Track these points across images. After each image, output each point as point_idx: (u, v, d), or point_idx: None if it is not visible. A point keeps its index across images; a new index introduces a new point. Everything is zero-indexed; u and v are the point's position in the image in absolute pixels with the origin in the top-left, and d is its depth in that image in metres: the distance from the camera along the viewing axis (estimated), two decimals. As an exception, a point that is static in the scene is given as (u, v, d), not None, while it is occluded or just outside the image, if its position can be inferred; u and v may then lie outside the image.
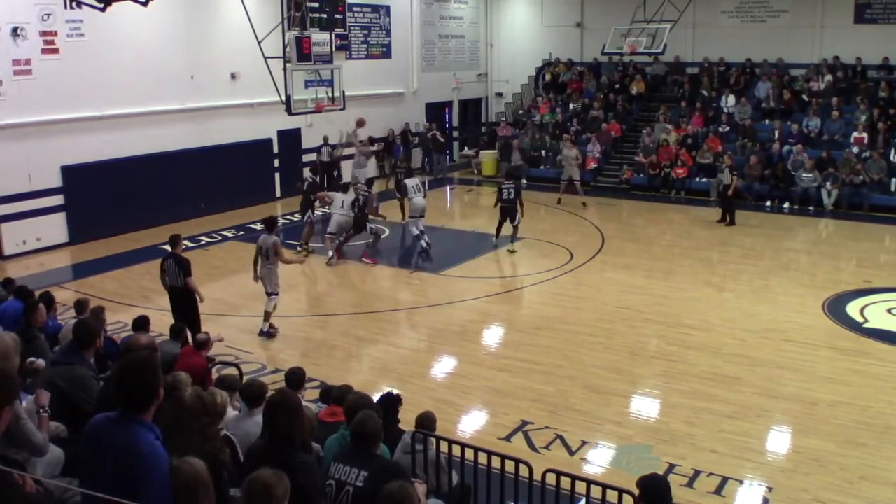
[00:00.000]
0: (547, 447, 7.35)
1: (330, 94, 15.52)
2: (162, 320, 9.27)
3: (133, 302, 11.41)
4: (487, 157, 23.02)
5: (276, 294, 10.40)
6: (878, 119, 18.77)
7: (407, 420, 5.96)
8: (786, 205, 18.01)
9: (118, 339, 7.68)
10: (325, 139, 19.35)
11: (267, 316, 10.39)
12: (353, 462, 4.16)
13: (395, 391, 6.31)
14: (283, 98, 14.22)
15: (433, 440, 5.44)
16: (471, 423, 8.00)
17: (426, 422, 5.68)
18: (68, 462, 4.41)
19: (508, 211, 14.20)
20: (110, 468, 3.12)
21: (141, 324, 7.59)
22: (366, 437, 4.24)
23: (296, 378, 6.21)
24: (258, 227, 15.32)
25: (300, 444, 3.93)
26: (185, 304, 9.43)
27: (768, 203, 18.21)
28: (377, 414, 4.54)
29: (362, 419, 4.32)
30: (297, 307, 11.93)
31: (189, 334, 8.22)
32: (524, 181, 21.26)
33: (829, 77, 20.17)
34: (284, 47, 14.03)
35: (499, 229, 14.54)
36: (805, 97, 20.20)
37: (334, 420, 5.46)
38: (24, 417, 4.15)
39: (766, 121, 20.19)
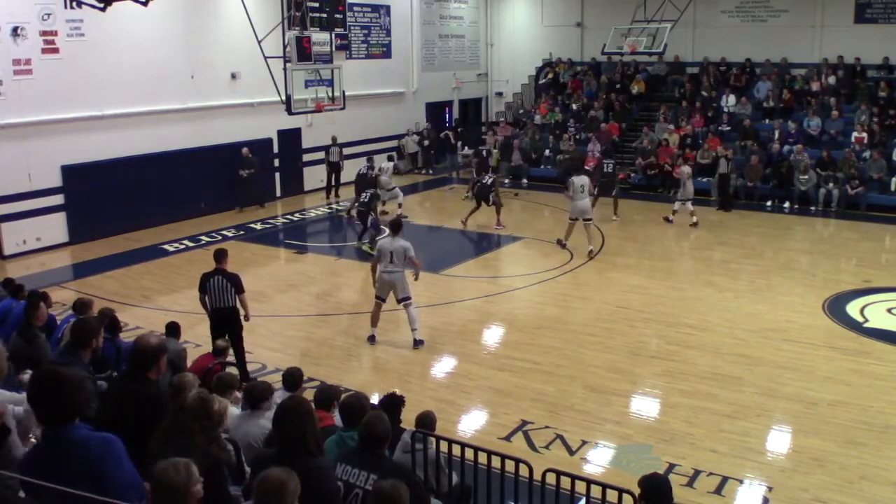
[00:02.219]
0: (547, 447, 7.34)
1: (330, 94, 15.52)
2: (163, 319, 9.26)
3: (133, 302, 11.40)
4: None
5: (410, 298, 9.90)
6: (879, 119, 18.77)
7: (407, 420, 5.95)
8: (786, 204, 18.00)
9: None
10: (334, 139, 19.37)
11: (413, 323, 9.91)
12: (362, 464, 4.15)
13: (397, 391, 6.31)
14: (284, 98, 14.22)
15: (433, 440, 5.43)
16: (471, 423, 7.99)
17: (426, 421, 5.67)
18: None
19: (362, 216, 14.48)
20: (75, 480, 3.14)
21: (173, 329, 7.62)
22: (375, 439, 4.23)
23: (293, 379, 6.17)
24: (258, 226, 15.37)
25: (315, 448, 3.90)
26: (231, 327, 8.44)
27: (768, 203, 18.22)
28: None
29: (371, 421, 4.31)
30: (297, 307, 11.92)
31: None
32: (524, 181, 21.32)
33: (832, 77, 20.17)
34: (284, 47, 14.04)
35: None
36: (808, 98, 20.20)
37: (322, 426, 5.41)
38: (13, 434, 4.15)
39: (766, 120, 20.20)
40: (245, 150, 17.49)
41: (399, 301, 9.94)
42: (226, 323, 8.43)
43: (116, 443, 3.27)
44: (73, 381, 3.31)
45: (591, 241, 14.07)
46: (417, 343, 9.90)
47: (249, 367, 8.89)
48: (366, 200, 14.54)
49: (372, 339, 10.11)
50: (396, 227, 10.07)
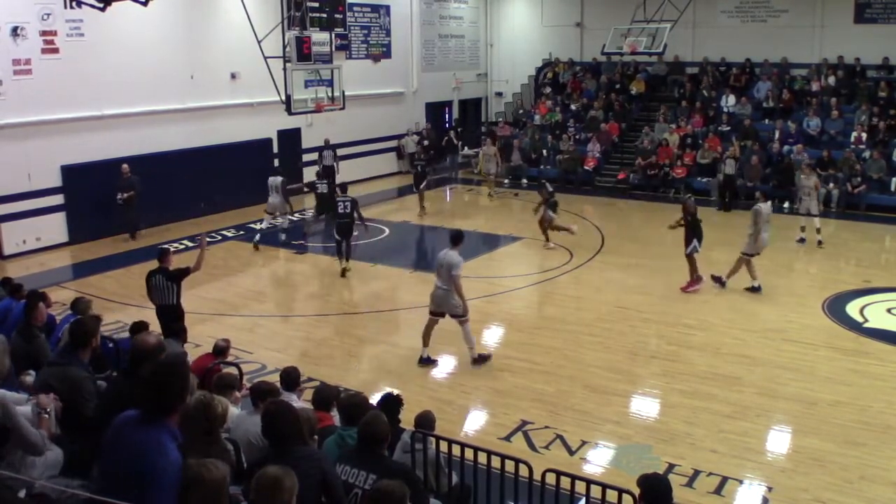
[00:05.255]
0: (547, 447, 7.34)
1: (330, 94, 15.54)
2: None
3: (133, 302, 11.39)
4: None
5: (464, 315, 9.24)
6: (879, 119, 18.77)
7: (406, 420, 5.95)
8: (786, 205, 17.99)
9: (116, 338, 7.68)
10: (327, 142, 19.30)
11: (469, 342, 9.33)
12: (361, 464, 4.16)
13: (395, 391, 6.30)
14: (283, 98, 14.23)
15: (432, 440, 5.43)
16: (471, 423, 8.00)
17: (425, 421, 5.67)
18: (67, 462, 4.41)
19: (344, 229, 12.85)
20: (125, 466, 3.16)
21: (140, 328, 7.55)
22: (373, 438, 4.24)
23: (290, 378, 6.17)
24: (258, 226, 15.36)
25: (308, 438, 4.02)
26: (173, 323, 8.33)
27: (768, 203, 18.16)
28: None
29: (370, 420, 4.32)
30: (297, 307, 11.92)
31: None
32: (524, 181, 21.30)
33: (832, 77, 20.17)
34: (284, 47, 14.05)
35: (339, 250, 13.10)
36: (808, 98, 20.20)
37: (321, 426, 5.42)
38: (19, 416, 4.16)
39: (766, 120, 20.20)
40: (125, 167, 15.07)
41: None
42: (168, 318, 8.54)
43: (180, 469, 3.19)
44: (186, 374, 3.42)
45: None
46: (477, 361, 9.34)
47: (250, 368, 8.89)
48: (347, 211, 12.90)
49: (425, 360, 9.32)
50: (458, 239, 9.35)
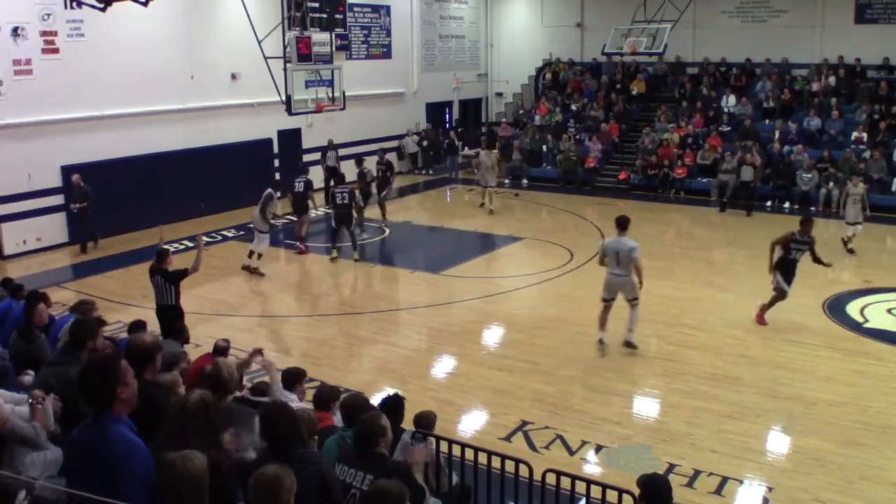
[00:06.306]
0: (547, 447, 7.34)
1: (330, 94, 15.53)
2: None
3: (133, 302, 11.40)
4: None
5: (638, 298, 9.64)
6: (879, 119, 18.77)
7: (406, 420, 5.95)
8: (786, 205, 18.00)
9: (117, 338, 7.67)
10: (330, 142, 19.31)
11: (634, 324, 9.71)
12: (358, 464, 4.16)
13: (398, 392, 6.30)
14: (284, 98, 14.22)
15: (432, 439, 5.43)
16: (471, 423, 7.99)
17: (425, 421, 5.67)
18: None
19: (342, 218, 13.55)
20: (88, 466, 3.23)
21: (138, 327, 7.56)
22: (368, 436, 4.24)
23: (292, 377, 6.17)
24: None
25: (307, 439, 4.04)
26: (172, 323, 8.33)
27: (769, 203, 18.21)
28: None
29: (365, 419, 4.32)
30: (298, 307, 11.93)
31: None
32: (524, 181, 21.31)
33: (832, 77, 20.17)
34: (285, 47, 14.04)
35: (334, 238, 13.71)
36: (808, 98, 20.20)
37: (321, 426, 5.42)
38: (10, 416, 4.18)
39: (766, 121, 20.20)
40: (75, 177, 14.45)
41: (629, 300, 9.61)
42: (167, 317, 8.58)
43: (143, 452, 3.32)
44: (110, 368, 3.39)
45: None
46: (628, 344, 9.65)
47: (250, 368, 8.84)
48: (345, 202, 13.66)
49: (601, 342, 9.73)
50: (624, 224, 9.60)
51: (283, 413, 3.99)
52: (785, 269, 10.39)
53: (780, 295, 10.41)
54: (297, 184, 14.61)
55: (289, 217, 15.84)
